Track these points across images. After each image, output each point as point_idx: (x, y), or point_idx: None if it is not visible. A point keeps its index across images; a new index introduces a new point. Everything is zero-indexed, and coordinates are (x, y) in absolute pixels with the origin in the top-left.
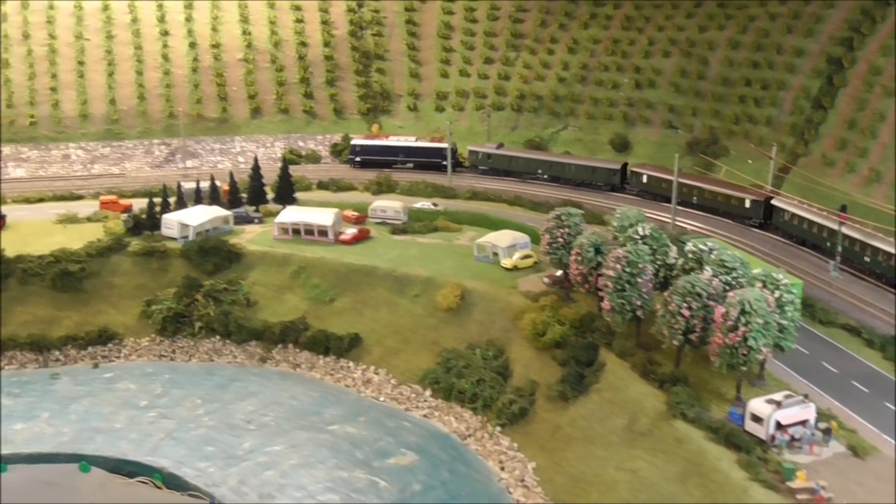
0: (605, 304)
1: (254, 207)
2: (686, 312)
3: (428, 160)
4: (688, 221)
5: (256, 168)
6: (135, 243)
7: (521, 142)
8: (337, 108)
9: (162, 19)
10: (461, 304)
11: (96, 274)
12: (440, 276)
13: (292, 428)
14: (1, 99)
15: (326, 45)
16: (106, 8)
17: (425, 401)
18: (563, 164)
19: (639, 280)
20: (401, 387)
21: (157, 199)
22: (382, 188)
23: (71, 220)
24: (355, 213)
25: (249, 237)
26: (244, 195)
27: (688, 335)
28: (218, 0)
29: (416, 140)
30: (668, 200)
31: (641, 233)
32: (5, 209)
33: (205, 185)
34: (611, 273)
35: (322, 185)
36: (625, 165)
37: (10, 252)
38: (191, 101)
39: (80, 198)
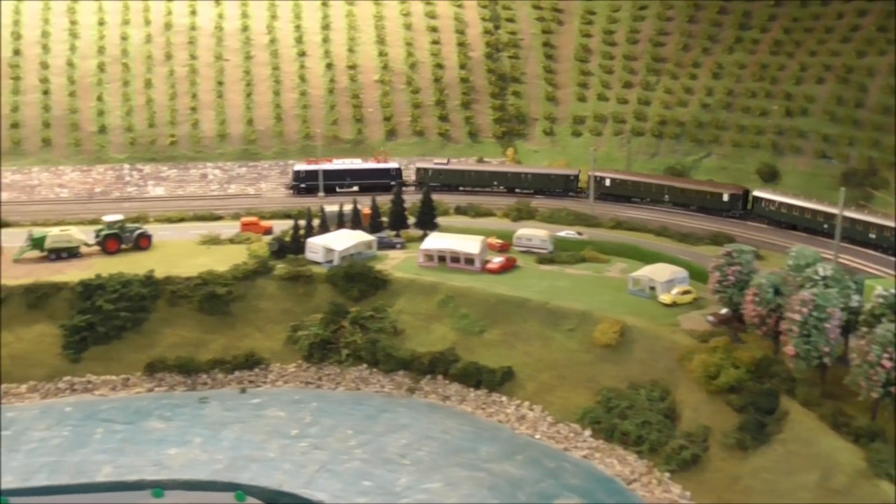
0: (789, 350)
1: (394, 232)
2: (888, 363)
3: (375, 182)
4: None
5: (399, 192)
6: (280, 267)
7: (661, 169)
8: (472, 131)
9: (300, 40)
10: (620, 340)
11: (242, 297)
12: (596, 311)
13: (448, 464)
14: (138, 117)
15: (462, 67)
16: (245, 29)
17: (585, 441)
18: (518, 174)
19: (826, 325)
20: (558, 425)
21: (300, 222)
22: (522, 215)
23: (214, 241)
24: (499, 241)
25: (394, 263)
26: (385, 219)
27: (888, 387)
28: (355, 21)
29: (363, 161)
30: (631, 202)
31: (822, 273)
32: (148, 228)
33: (346, 208)
34: (796, 317)
35: (460, 210)
36: (579, 172)
37: (158, 273)
38: (326, 123)
39: (219, 218)
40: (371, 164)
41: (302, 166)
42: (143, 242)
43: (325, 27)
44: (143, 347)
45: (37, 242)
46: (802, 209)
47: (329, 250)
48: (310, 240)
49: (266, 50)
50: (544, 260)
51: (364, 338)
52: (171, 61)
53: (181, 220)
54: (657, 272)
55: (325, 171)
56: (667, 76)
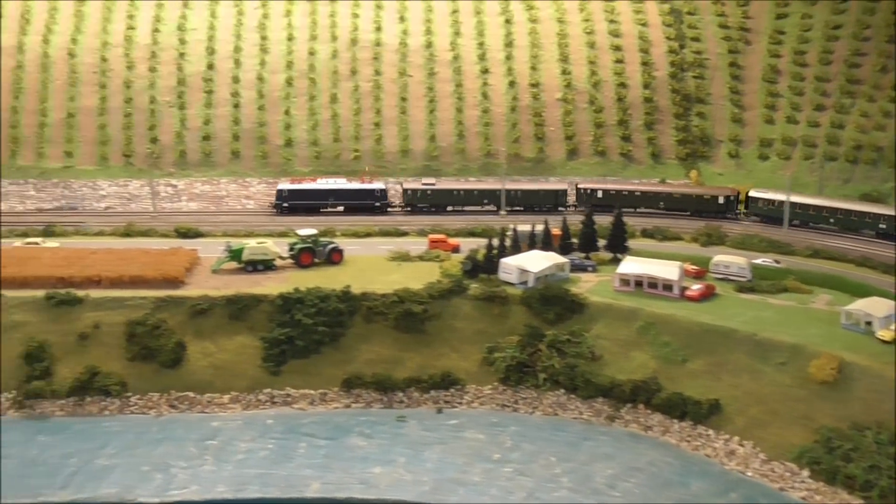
0: None
1: (584, 254)
2: None
3: (360, 202)
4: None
5: (590, 213)
6: (474, 287)
7: (857, 195)
8: (655, 151)
9: (483, 57)
10: (838, 377)
11: (438, 316)
12: (808, 344)
13: (660, 498)
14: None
15: (646, 86)
16: (429, 45)
17: (803, 482)
18: (509, 191)
19: None
20: (771, 463)
21: (494, 242)
22: (712, 240)
23: (403, 257)
24: (695, 268)
25: (588, 287)
26: (575, 241)
27: None
28: (539, 39)
29: (347, 182)
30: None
31: None
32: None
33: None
34: None
35: (646, 234)
36: (567, 187)
37: (354, 289)
38: (508, 141)
39: (404, 234)
40: (355, 185)
41: (285, 185)
42: (335, 257)
43: (509, 44)
44: (340, 363)
45: (234, 254)
46: (796, 205)
47: (524, 271)
48: (504, 260)
49: (449, 66)
50: (744, 288)
51: (562, 362)
52: (357, 77)
53: (368, 234)
54: (874, 306)
55: (309, 191)
56: (863, 99)
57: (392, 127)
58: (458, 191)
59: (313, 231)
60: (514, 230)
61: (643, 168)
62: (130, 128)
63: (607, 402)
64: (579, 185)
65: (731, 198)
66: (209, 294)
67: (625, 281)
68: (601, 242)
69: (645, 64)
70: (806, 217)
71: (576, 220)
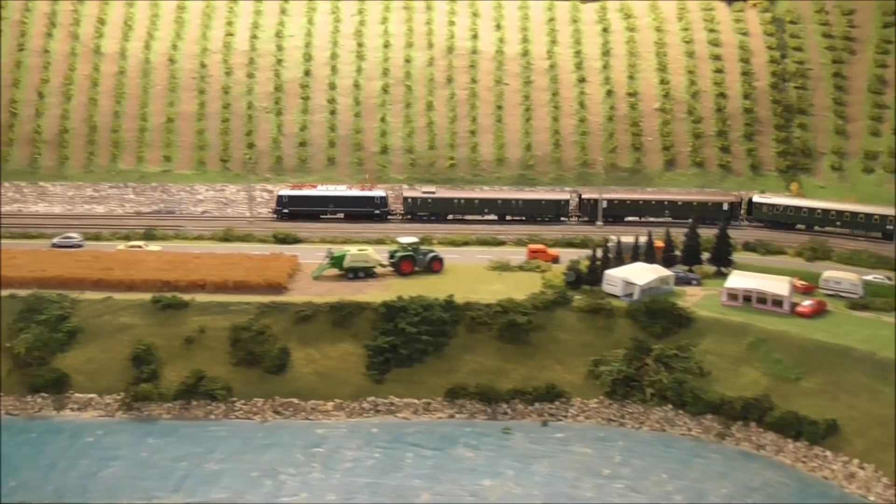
0: None
1: (687, 267)
2: None
3: (359, 210)
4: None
5: (694, 226)
6: (579, 299)
7: None
8: (754, 163)
9: (579, 66)
10: None
11: (542, 327)
12: None
13: None
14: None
15: (746, 97)
16: (525, 53)
17: None
18: (509, 201)
19: None
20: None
21: (598, 253)
22: (817, 254)
23: (504, 267)
24: (803, 283)
25: (693, 300)
26: (678, 253)
27: None
28: (636, 48)
29: (348, 188)
30: (626, 222)
31: None
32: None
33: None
34: None
35: (748, 247)
36: (569, 198)
37: (457, 298)
38: (604, 150)
39: (501, 243)
40: (355, 192)
41: (286, 191)
42: (435, 265)
43: (606, 53)
44: (443, 372)
45: (336, 261)
46: (799, 209)
47: (629, 284)
48: (608, 272)
49: (546, 75)
50: (857, 305)
51: (669, 377)
52: (452, 84)
53: (465, 243)
54: None
55: (310, 197)
56: None
57: (487, 135)
58: (459, 199)
59: (414, 239)
60: (618, 241)
61: (742, 180)
62: (228, 133)
63: (717, 419)
64: (583, 196)
65: (736, 204)
66: (313, 300)
67: (732, 295)
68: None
69: (745, 74)
70: (812, 220)
71: (680, 234)
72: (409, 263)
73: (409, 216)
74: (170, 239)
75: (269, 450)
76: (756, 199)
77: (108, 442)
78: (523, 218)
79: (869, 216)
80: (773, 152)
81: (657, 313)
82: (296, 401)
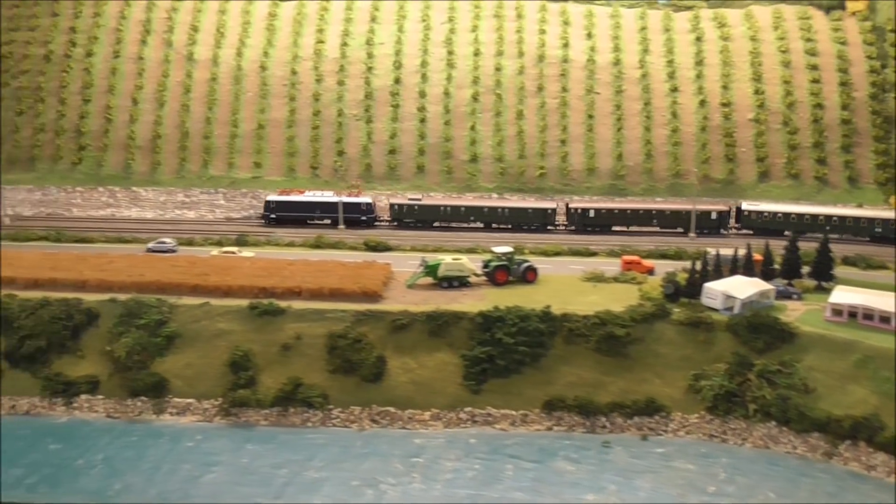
0: None
1: (787, 281)
2: None
3: (346, 216)
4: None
5: (794, 240)
6: (678, 312)
7: None
8: (851, 175)
9: (672, 75)
10: None
11: (640, 340)
12: None
13: None
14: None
15: (844, 108)
16: (617, 62)
17: None
18: (495, 209)
19: None
20: None
21: (697, 265)
22: None
23: (598, 278)
24: None
25: (796, 315)
26: (777, 267)
27: None
28: (730, 57)
29: (335, 195)
30: (612, 231)
31: None
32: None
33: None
34: None
35: (848, 262)
36: (556, 206)
37: (554, 309)
38: (697, 161)
39: (593, 254)
40: (342, 198)
41: (273, 197)
42: (529, 275)
43: (699, 63)
44: (540, 384)
45: (431, 270)
46: (787, 215)
47: (730, 297)
48: (708, 285)
49: (637, 84)
50: None
51: (773, 393)
52: (543, 93)
53: (556, 253)
54: None
55: (297, 203)
56: None
57: (578, 144)
58: (445, 207)
59: (509, 248)
60: (717, 254)
61: (838, 192)
62: (318, 140)
63: (824, 438)
64: (570, 205)
65: (724, 213)
66: (409, 309)
67: (837, 311)
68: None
69: (843, 84)
70: (801, 226)
71: (780, 247)
72: (504, 273)
73: (395, 222)
74: (261, 245)
75: (368, 459)
76: (744, 206)
77: (208, 447)
78: (509, 226)
79: (857, 220)
80: (872, 164)
81: (759, 328)
82: (392, 410)
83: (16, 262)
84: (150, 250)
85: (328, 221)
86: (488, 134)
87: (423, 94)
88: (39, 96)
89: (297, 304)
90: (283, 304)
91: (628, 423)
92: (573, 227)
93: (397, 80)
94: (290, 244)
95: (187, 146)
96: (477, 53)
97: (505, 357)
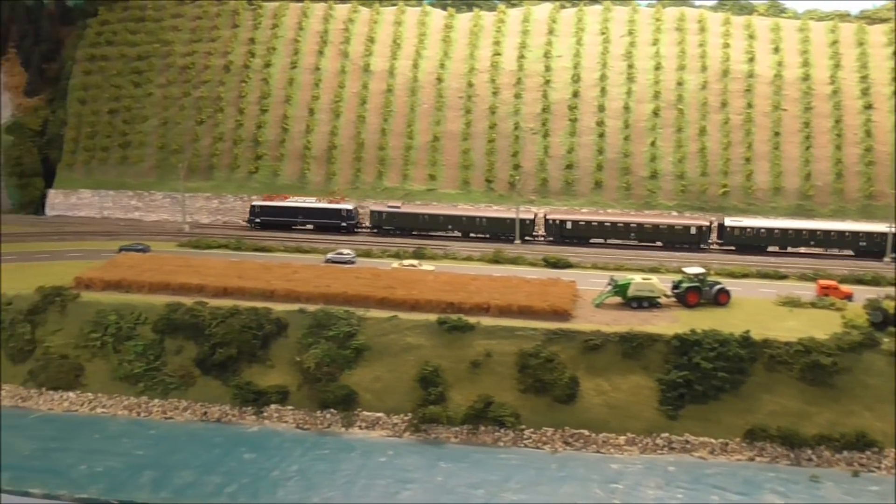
0: None
1: None
2: None
3: (327, 221)
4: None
5: None
6: (887, 341)
7: None
8: None
9: (866, 92)
10: None
11: (847, 370)
12: None
13: None
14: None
15: None
16: (806, 78)
17: None
18: (473, 219)
19: None
20: None
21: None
22: None
23: (794, 303)
24: None
25: None
26: None
27: None
28: None
29: (318, 201)
30: (590, 244)
31: None
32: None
33: None
34: None
35: None
36: (536, 215)
37: (753, 334)
38: (893, 182)
39: (783, 276)
40: (324, 204)
41: (259, 202)
42: (722, 298)
43: None
44: (740, 412)
45: (620, 289)
46: (771, 230)
47: None
48: None
49: (828, 101)
50: None
51: None
52: (727, 109)
53: (744, 275)
54: None
55: (281, 208)
56: None
57: (763, 163)
58: (423, 215)
59: (701, 269)
60: None
61: None
62: (493, 153)
63: None
64: (548, 216)
65: (704, 228)
66: (601, 329)
67: None
68: None
69: None
70: (785, 241)
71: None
72: (696, 295)
73: (375, 229)
74: (439, 258)
75: (565, 482)
76: (728, 222)
77: (401, 463)
78: (487, 236)
79: (842, 234)
80: None
81: None
82: (586, 432)
83: (203, 269)
84: (329, 261)
85: (311, 227)
86: (669, 150)
87: (601, 109)
88: (219, 106)
89: (486, 321)
90: (471, 319)
91: (837, 457)
92: (551, 239)
93: (575, 94)
94: (468, 258)
95: (362, 157)
96: (658, 67)
97: (703, 382)
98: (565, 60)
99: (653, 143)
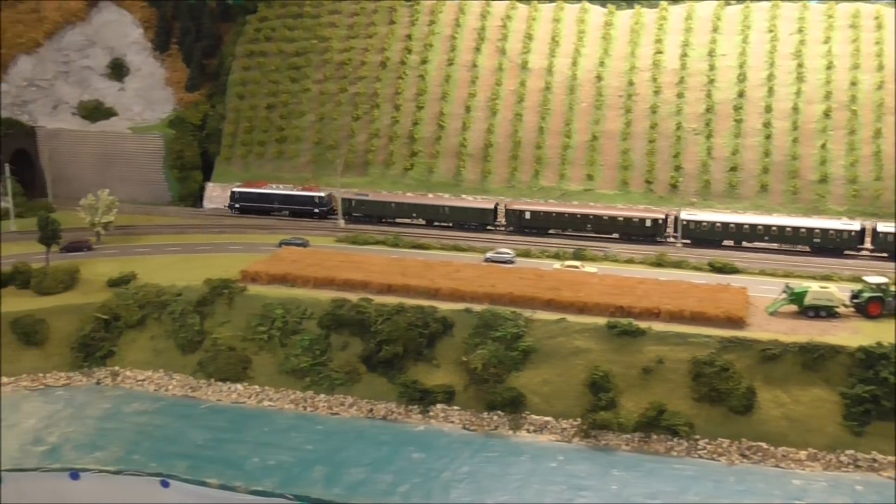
0: None
1: None
2: None
3: (301, 208)
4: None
5: None
6: None
7: None
8: None
9: None
10: None
11: None
12: None
13: None
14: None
15: None
16: None
17: None
18: (437, 207)
19: None
20: None
21: None
22: None
23: None
24: None
25: None
26: None
27: None
28: None
29: (293, 188)
30: (549, 234)
31: None
32: None
33: None
34: None
35: None
36: (497, 205)
37: None
38: None
39: None
40: (298, 192)
41: (238, 188)
42: None
43: None
44: None
45: (796, 297)
46: (726, 224)
47: None
48: None
49: None
50: None
51: None
52: None
53: None
54: None
55: (258, 195)
56: None
57: None
58: (391, 203)
59: (884, 279)
60: None
61: None
62: (654, 154)
63: None
64: (508, 206)
65: (660, 221)
66: (779, 339)
67: None
68: None
69: None
70: (740, 236)
71: None
72: (878, 305)
73: (346, 216)
74: (599, 260)
75: (746, 497)
76: (684, 216)
77: (572, 469)
78: (450, 224)
79: (796, 230)
80: None
81: None
82: (764, 445)
83: (366, 265)
84: (488, 260)
85: (287, 213)
86: (840, 153)
87: (768, 109)
88: (375, 102)
89: (657, 326)
90: (642, 324)
91: None
92: (511, 228)
93: (741, 94)
94: (630, 261)
95: (518, 155)
96: (829, 67)
97: (892, 398)
98: (730, 59)
99: (823, 146)
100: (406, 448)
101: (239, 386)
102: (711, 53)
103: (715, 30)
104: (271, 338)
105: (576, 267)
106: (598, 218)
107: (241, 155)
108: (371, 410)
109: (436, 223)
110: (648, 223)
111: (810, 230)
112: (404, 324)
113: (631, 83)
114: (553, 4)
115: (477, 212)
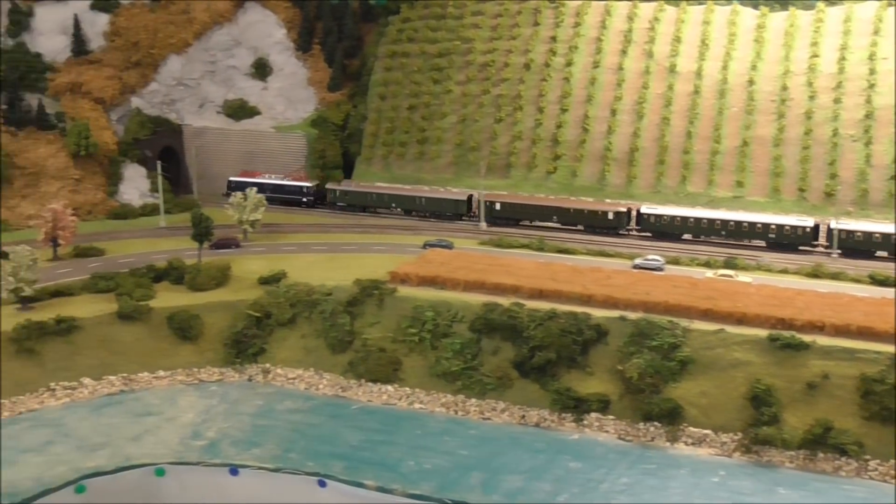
0: None
1: None
2: None
3: (289, 196)
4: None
5: None
6: None
7: None
8: None
9: None
10: None
11: None
12: None
13: None
14: None
15: None
16: None
17: None
18: (413, 197)
19: None
20: None
21: None
22: None
23: None
24: None
25: None
26: None
27: None
28: None
29: (283, 178)
30: (521, 224)
31: None
32: None
33: None
34: None
35: None
36: (471, 196)
37: None
38: None
39: None
40: (287, 181)
41: (234, 178)
42: None
43: None
44: None
45: None
46: (685, 219)
47: None
48: None
49: None
50: None
51: None
52: None
53: None
54: None
55: (251, 184)
56: None
57: None
58: (371, 194)
59: None
60: None
61: None
62: (807, 161)
63: None
64: (481, 198)
65: (622, 214)
66: None
67: None
68: None
69: None
70: (698, 230)
71: None
72: None
73: (333, 205)
74: (751, 269)
75: None
76: (643, 209)
77: (735, 485)
78: (426, 214)
79: (752, 225)
80: None
81: None
82: None
83: (514, 269)
84: (636, 267)
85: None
86: None
87: None
88: (518, 104)
89: (822, 340)
90: (805, 338)
91: None
92: (485, 219)
93: None
94: (784, 271)
95: (665, 160)
96: None
97: None
98: (891, 63)
99: None
100: (562, 456)
101: (389, 387)
102: (872, 57)
103: (875, 32)
104: (422, 340)
105: (730, 276)
106: (563, 210)
107: (382, 155)
108: (523, 417)
109: (413, 213)
110: (611, 216)
111: (766, 225)
112: (557, 330)
113: (784, 87)
114: (703, 6)
115: (451, 203)
